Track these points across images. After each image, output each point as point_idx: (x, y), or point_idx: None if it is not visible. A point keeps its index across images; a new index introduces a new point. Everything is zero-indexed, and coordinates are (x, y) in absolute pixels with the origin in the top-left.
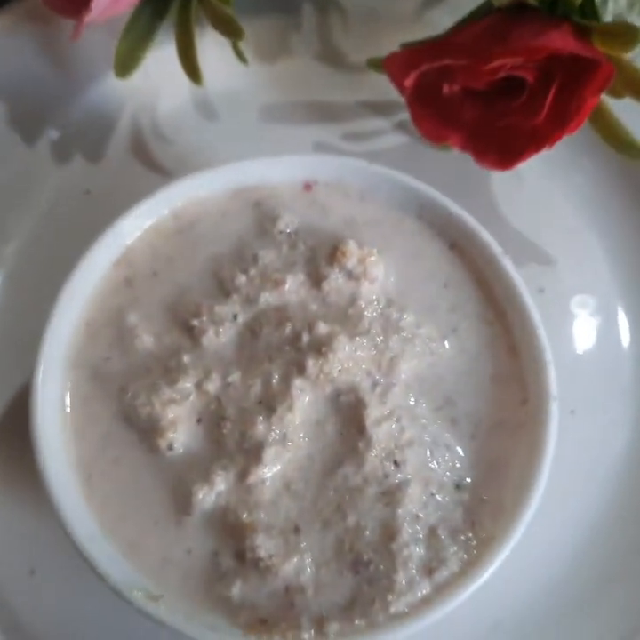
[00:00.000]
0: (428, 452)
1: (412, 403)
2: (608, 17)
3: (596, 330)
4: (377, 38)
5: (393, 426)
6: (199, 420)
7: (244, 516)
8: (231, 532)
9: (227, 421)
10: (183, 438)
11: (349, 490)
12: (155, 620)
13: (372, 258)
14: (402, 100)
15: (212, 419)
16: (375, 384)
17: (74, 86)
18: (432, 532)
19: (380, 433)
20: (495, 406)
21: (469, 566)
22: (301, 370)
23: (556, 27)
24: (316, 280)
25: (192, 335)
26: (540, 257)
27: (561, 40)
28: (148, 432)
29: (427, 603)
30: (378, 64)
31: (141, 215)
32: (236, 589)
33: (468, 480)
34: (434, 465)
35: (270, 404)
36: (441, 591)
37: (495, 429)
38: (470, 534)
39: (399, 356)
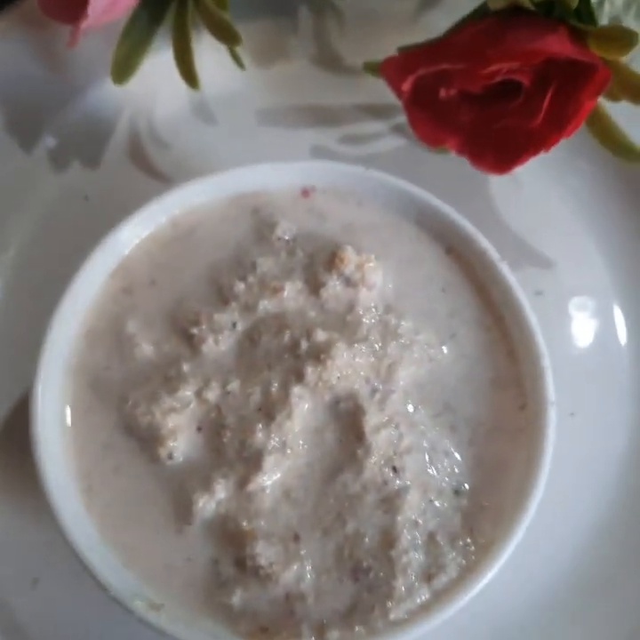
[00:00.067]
0: (427, 459)
1: (410, 409)
2: (604, 19)
3: (594, 332)
4: (374, 41)
5: (392, 433)
6: (199, 429)
7: (244, 523)
8: (231, 540)
9: (226, 429)
10: (183, 447)
11: (349, 497)
12: (156, 629)
13: (370, 264)
14: (399, 102)
15: (212, 427)
16: (374, 391)
17: (71, 91)
18: (431, 538)
19: (379, 440)
20: (494, 411)
21: (468, 572)
22: (300, 377)
23: (552, 30)
24: (315, 287)
25: (191, 343)
26: (538, 260)
27: (557, 44)
28: (148, 441)
29: (426, 609)
30: (375, 68)
31: (139, 224)
32: (237, 597)
33: (467, 486)
34: (432, 471)
35: (269, 411)
36: (440, 597)
37: (494, 435)
38: (469, 540)
39: (398, 362)
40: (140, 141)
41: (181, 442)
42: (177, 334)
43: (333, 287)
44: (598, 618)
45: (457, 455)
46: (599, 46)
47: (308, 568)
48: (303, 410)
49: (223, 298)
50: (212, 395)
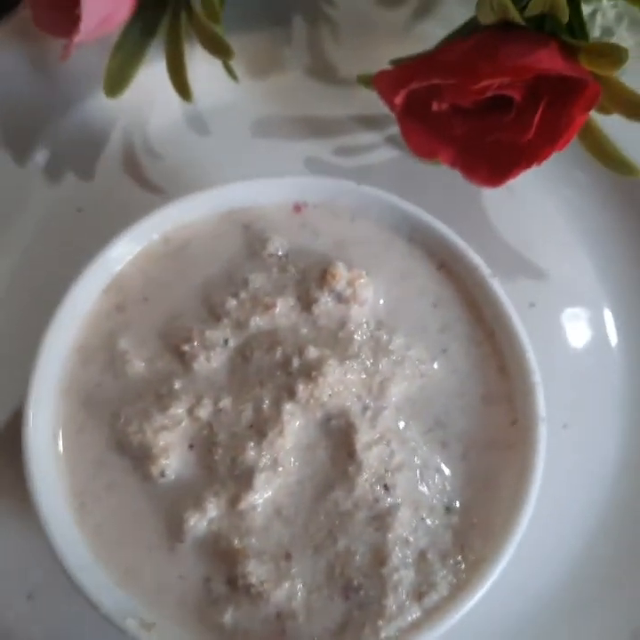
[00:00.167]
0: (418, 476)
1: (401, 426)
2: (596, 30)
3: (587, 344)
4: (368, 52)
5: (383, 450)
6: (191, 446)
7: (236, 542)
8: (223, 558)
9: (218, 447)
10: (175, 465)
11: (340, 515)
12: None
13: (362, 280)
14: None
15: (204, 444)
16: (365, 408)
17: (64, 103)
18: (422, 556)
19: (370, 457)
20: (485, 427)
21: (459, 590)
22: (292, 394)
23: (543, 45)
24: (307, 303)
25: (183, 360)
26: (531, 271)
27: (548, 60)
28: (140, 459)
29: (416, 627)
30: (368, 80)
31: (132, 240)
32: (228, 616)
33: (458, 503)
34: (424, 488)
35: (261, 429)
36: (431, 615)
37: (485, 451)
38: (460, 557)
39: (389, 378)
40: (134, 153)
41: (173, 460)
42: (169, 351)
43: (325, 303)
44: (593, 630)
45: (448, 472)
46: (590, 62)
47: (300, 586)
48: (295, 427)
49: (215, 314)
50: (204, 412)
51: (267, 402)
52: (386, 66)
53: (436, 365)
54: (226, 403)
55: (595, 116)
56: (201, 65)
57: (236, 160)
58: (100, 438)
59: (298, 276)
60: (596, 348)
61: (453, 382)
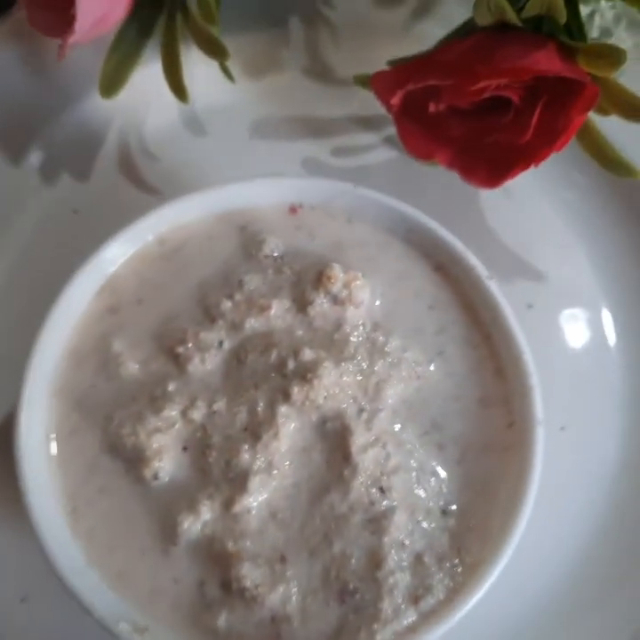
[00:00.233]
0: (415, 478)
1: (398, 428)
2: (595, 31)
3: (585, 345)
4: (366, 52)
5: (379, 452)
6: (185, 449)
7: (230, 545)
8: (217, 562)
9: (212, 450)
10: (169, 467)
11: (335, 518)
12: None
13: (358, 282)
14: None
15: (198, 447)
16: (361, 410)
17: (60, 104)
18: (418, 559)
19: (366, 460)
20: (482, 430)
21: (455, 594)
22: (287, 397)
23: (541, 46)
24: (302, 305)
25: (178, 362)
26: (529, 272)
27: (545, 61)
28: (133, 462)
29: (413, 631)
30: (365, 81)
31: (126, 241)
32: (223, 620)
33: (454, 506)
34: (420, 491)
35: (256, 431)
36: (427, 619)
37: (482, 453)
38: (456, 561)
39: (385, 380)
40: (130, 154)
41: (167, 462)
42: (163, 353)
43: (321, 305)
44: (592, 633)
45: (444, 475)
46: (588, 63)
47: (294, 590)
48: (290, 429)
49: (210, 316)
50: (198, 414)
51: (261, 404)
52: (383, 66)
53: (432, 367)
54: (220, 405)
55: (593, 117)
56: (197, 65)
57: (233, 161)
58: (93, 441)
59: (293, 278)
60: (594, 349)
61: (450, 385)
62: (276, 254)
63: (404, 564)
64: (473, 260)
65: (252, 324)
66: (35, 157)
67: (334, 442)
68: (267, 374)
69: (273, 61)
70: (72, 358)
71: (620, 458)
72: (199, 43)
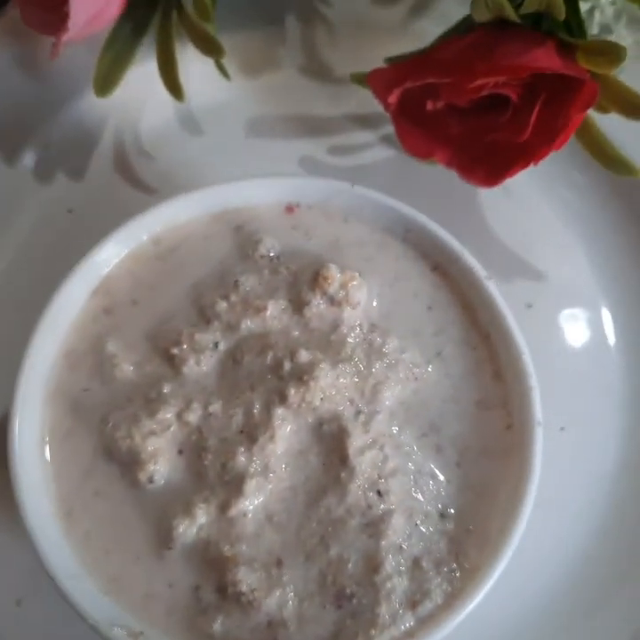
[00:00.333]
0: (412, 481)
1: (395, 430)
2: (594, 28)
3: (585, 344)
4: (363, 50)
5: (376, 455)
6: (180, 452)
7: (226, 549)
8: (213, 566)
9: (208, 452)
10: (164, 470)
11: (332, 521)
12: None
13: (354, 282)
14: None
15: (193, 450)
16: (358, 412)
17: (55, 102)
18: (416, 563)
19: (364, 463)
20: (480, 432)
21: (453, 598)
22: (283, 399)
23: (539, 44)
24: (298, 306)
25: (173, 364)
26: (528, 272)
27: (544, 58)
28: (128, 465)
29: (410, 636)
30: (362, 79)
31: (120, 242)
32: (218, 625)
33: (452, 509)
34: (418, 494)
35: (252, 434)
36: (425, 624)
37: (480, 456)
38: (454, 565)
39: (383, 382)
40: (126, 153)
41: (162, 465)
42: (158, 354)
43: (317, 306)
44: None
45: (442, 477)
46: (588, 60)
47: (291, 594)
48: (286, 432)
49: (205, 317)
50: (194, 417)
51: (257, 406)
52: (381, 64)
53: (430, 369)
54: (216, 407)
55: (593, 115)
56: (193, 63)
57: (229, 160)
58: (88, 444)
59: (290, 278)
60: (594, 349)
61: (448, 386)
62: (272, 254)
63: (402, 568)
64: (471, 259)
65: (248, 324)
66: (29, 156)
67: (331, 444)
68: (263, 376)
69: (269, 59)
70: (66, 360)
71: (620, 458)
72: (194, 40)
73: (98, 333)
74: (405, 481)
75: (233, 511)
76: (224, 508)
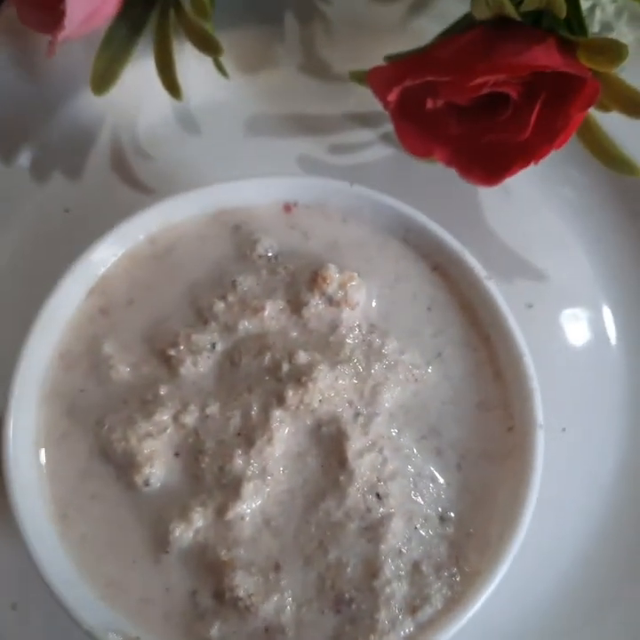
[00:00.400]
0: (412, 484)
1: (395, 433)
2: (596, 26)
3: (585, 344)
4: (362, 48)
5: (376, 457)
6: (177, 454)
7: (223, 553)
8: (210, 571)
9: (205, 455)
10: (160, 473)
11: (331, 525)
12: None
13: (353, 283)
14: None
15: (190, 452)
16: (357, 414)
17: (52, 101)
18: (415, 567)
19: (363, 465)
20: (481, 435)
21: (453, 603)
22: (281, 401)
23: (540, 41)
24: (297, 306)
25: (170, 365)
26: (528, 272)
27: (545, 57)
28: (124, 467)
29: None
30: (361, 77)
31: (116, 241)
32: (215, 630)
33: (453, 513)
34: (418, 497)
35: (249, 436)
36: (424, 630)
37: (480, 458)
38: (454, 569)
39: (382, 384)
40: (123, 152)
41: (158, 468)
42: (155, 356)
43: (316, 306)
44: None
45: (442, 480)
46: (589, 58)
47: (289, 599)
48: (284, 434)
49: (202, 318)
50: (190, 419)
51: (255, 408)
52: (380, 63)
53: (430, 370)
54: (213, 409)
55: (594, 113)
56: (191, 62)
57: (228, 159)
58: (84, 446)
59: (288, 279)
60: (595, 349)
61: (448, 388)
62: (270, 254)
63: (402, 572)
64: (471, 260)
65: (246, 325)
66: (25, 155)
67: (330, 447)
68: (260, 377)
69: (268, 58)
70: (61, 361)
71: (621, 458)
72: (192, 38)
73: (94, 334)
74: (405, 484)
75: (230, 515)
76: (221, 511)
